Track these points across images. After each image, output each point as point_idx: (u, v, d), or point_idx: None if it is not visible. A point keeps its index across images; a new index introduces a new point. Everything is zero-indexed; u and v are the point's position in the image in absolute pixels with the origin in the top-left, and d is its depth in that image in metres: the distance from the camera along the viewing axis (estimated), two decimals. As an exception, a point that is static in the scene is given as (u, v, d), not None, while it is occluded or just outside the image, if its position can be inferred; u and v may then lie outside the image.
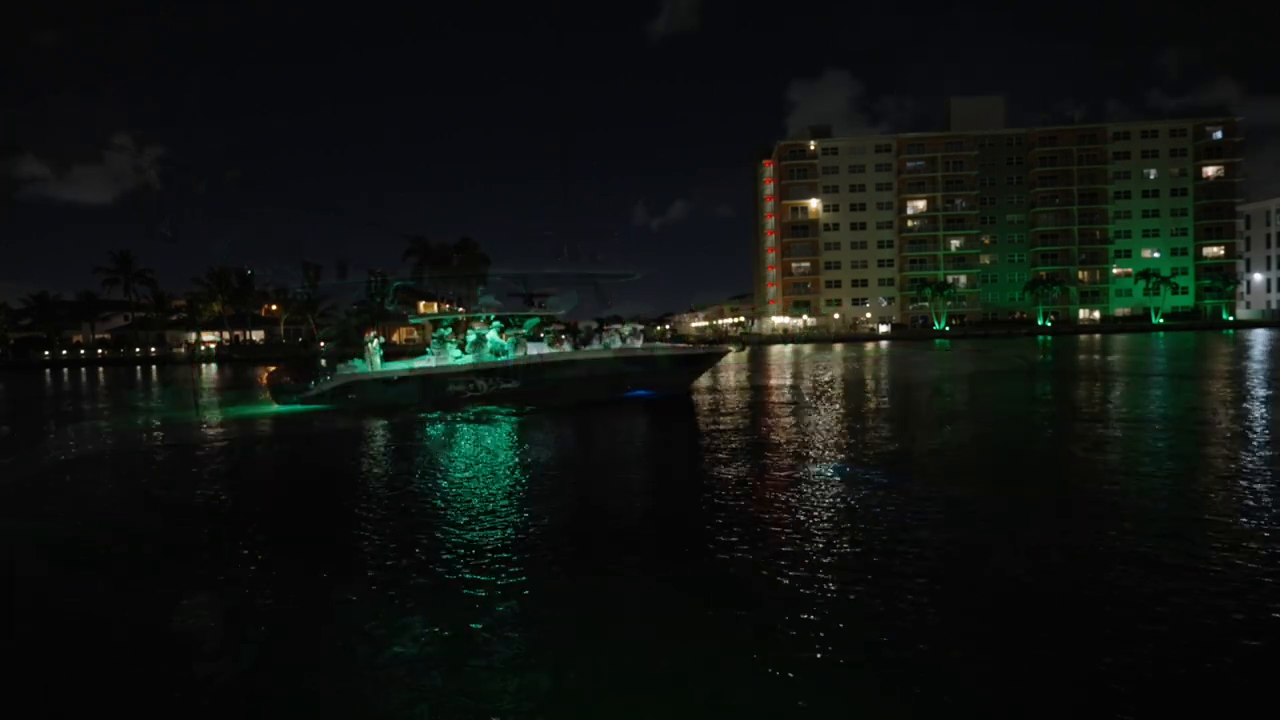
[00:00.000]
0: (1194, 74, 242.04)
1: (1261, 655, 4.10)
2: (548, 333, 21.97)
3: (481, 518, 7.54)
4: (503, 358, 20.31)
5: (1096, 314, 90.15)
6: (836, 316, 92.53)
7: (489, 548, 6.47)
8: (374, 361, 21.09)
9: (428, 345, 22.88)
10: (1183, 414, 13.89)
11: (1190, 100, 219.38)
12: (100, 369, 60.79)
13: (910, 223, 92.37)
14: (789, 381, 24.62)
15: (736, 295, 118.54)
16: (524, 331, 21.38)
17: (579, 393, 19.94)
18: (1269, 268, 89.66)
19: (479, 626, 4.79)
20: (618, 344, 20.86)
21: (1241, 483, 8.01)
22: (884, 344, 63.14)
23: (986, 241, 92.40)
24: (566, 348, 21.04)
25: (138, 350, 78.48)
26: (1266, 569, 5.34)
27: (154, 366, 62.04)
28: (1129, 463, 9.47)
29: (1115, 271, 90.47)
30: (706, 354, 22.46)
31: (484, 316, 22.13)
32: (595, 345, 21.12)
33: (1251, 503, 7.15)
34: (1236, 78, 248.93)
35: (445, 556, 6.25)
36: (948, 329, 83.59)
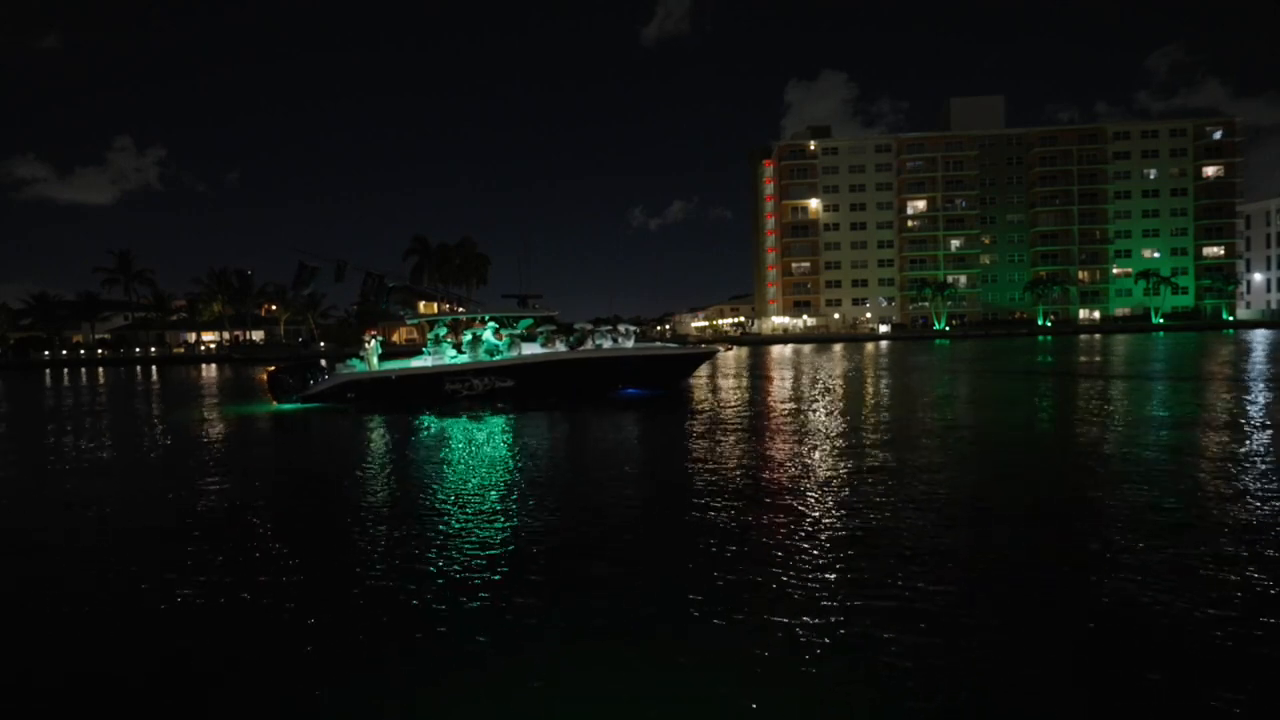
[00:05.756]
0: (1182, 76, 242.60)
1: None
2: (542, 333, 22.17)
3: (476, 514, 7.57)
4: (498, 357, 20.49)
5: (1096, 314, 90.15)
6: (836, 316, 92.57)
7: (483, 544, 6.50)
8: (372, 361, 21.18)
9: (425, 345, 23.01)
10: (1195, 417, 13.92)
11: (1178, 103, 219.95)
12: (100, 369, 60.86)
13: (910, 223, 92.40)
14: (782, 380, 24.64)
15: (736, 295, 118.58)
16: (518, 331, 21.62)
17: (573, 391, 20.15)
18: (1269, 268, 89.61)
19: (475, 627, 4.82)
20: (610, 344, 21.16)
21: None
22: (884, 344, 63.13)
23: (986, 241, 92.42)
24: (561, 347, 21.25)
25: (138, 350, 78.57)
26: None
27: (154, 366, 62.12)
28: (1137, 465, 9.48)
29: (1115, 271, 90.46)
30: (698, 354, 22.70)
31: (481, 317, 22.26)
32: (589, 345, 21.31)
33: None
34: (1224, 80, 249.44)
35: (440, 553, 6.28)
36: (948, 329, 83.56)
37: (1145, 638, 4.35)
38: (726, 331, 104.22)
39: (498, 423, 15.46)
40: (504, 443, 12.75)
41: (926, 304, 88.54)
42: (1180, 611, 4.67)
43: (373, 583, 5.67)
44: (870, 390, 20.85)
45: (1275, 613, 4.62)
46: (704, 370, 31.58)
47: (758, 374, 28.93)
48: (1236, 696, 3.69)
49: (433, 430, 14.66)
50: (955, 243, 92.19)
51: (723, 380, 25.92)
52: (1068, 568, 5.55)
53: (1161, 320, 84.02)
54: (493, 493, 8.73)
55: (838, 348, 56.82)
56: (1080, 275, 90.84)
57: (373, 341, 21.67)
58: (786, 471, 9.45)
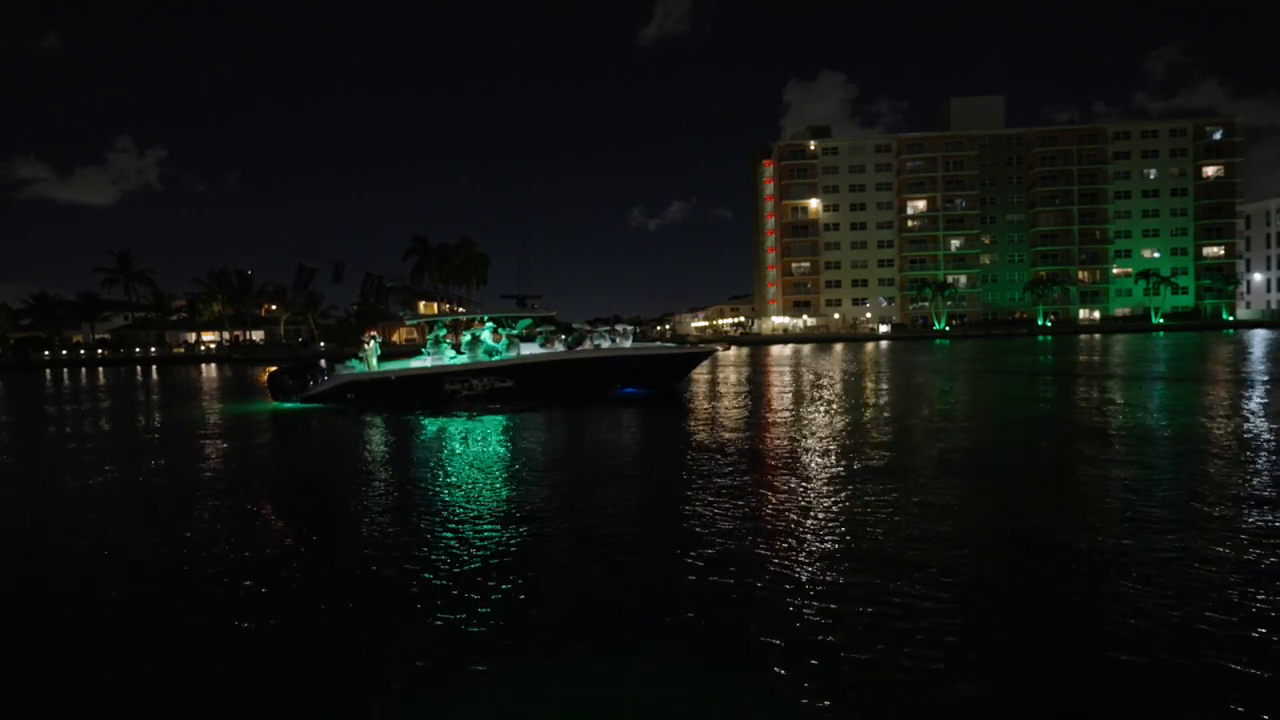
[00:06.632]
0: (1180, 76, 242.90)
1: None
2: (541, 333, 22.20)
3: (476, 515, 7.57)
4: (496, 357, 20.52)
5: (1096, 314, 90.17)
6: (836, 316, 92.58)
7: (483, 545, 6.50)
8: (371, 362, 21.19)
9: (424, 345, 23.06)
10: (1195, 417, 13.92)
11: (1177, 103, 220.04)
12: (100, 369, 60.87)
13: (910, 223, 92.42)
14: (781, 380, 24.65)
15: (736, 295, 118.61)
16: (516, 332, 21.68)
17: (571, 391, 20.18)
18: (1269, 268, 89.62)
19: (475, 627, 4.82)
20: (608, 344, 21.21)
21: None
22: (884, 344, 63.12)
23: (986, 241, 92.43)
24: (559, 347, 21.30)
25: (138, 350, 78.57)
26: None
27: (154, 366, 62.13)
28: (1138, 466, 9.48)
29: (1115, 271, 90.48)
30: (695, 353, 22.75)
31: (480, 318, 22.29)
32: (587, 345, 21.37)
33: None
34: (1223, 80, 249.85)
35: (440, 553, 6.28)
36: (948, 329, 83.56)
37: (1145, 639, 4.34)
38: (726, 331, 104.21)
39: (496, 423, 15.46)
40: (502, 443, 12.75)
41: (926, 304, 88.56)
42: (1179, 612, 4.67)
43: (372, 583, 5.67)
44: (869, 390, 20.84)
45: (1274, 616, 4.62)
46: (704, 369, 31.60)
47: (757, 373, 28.93)
48: (1236, 696, 3.69)
49: (432, 430, 14.66)
50: (955, 243, 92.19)
51: (722, 379, 25.93)
52: (1067, 568, 5.55)
53: (1161, 320, 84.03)
54: (491, 493, 8.73)
55: (838, 348, 56.81)
56: (1080, 275, 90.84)
57: (372, 342, 21.68)
58: (784, 471, 9.44)
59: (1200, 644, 4.22)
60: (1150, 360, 29.87)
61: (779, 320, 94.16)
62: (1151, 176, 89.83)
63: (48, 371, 59.36)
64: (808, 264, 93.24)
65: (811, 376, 26.47)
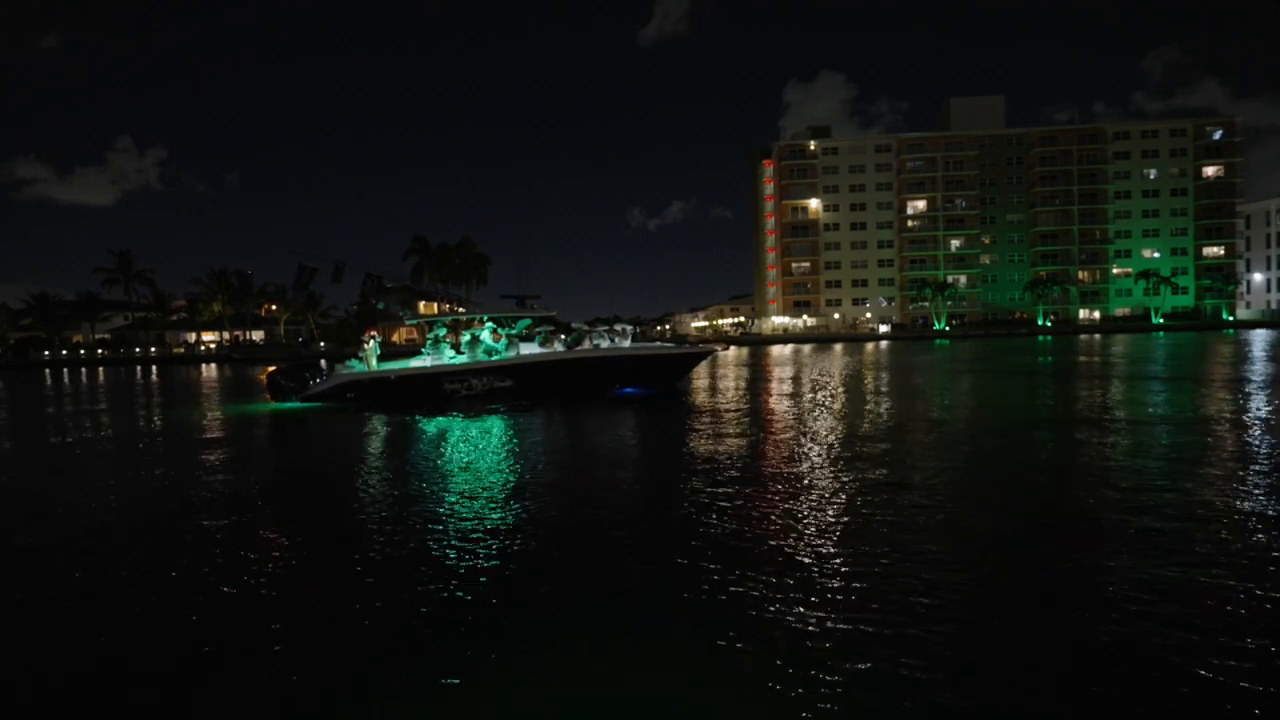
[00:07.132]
0: (1179, 76, 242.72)
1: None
2: (540, 333, 22.24)
3: (474, 515, 7.57)
4: (496, 357, 20.54)
5: (1096, 314, 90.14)
6: (836, 316, 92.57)
7: (482, 545, 6.50)
8: (371, 361, 21.20)
9: (424, 345, 23.10)
10: (1194, 417, 13.91)
11: (1176, 103, 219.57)
12: (100, 369, 60.85)
13: (910, 223, 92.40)
14: (780, 379, 24.65)
15: (736, 295, 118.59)
16: (516, 332, 21.70)
17: (570, 390, 20.20)
18: (1269, 268, 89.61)
19: (474, 627, 4.82)
20: (607, 344, 21.23)
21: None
22: (884, 344, 63.10)
23: (986, 241, 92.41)
24: (558, 347, 21.31)
25: (138, 350, 78.56)
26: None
27: (154, 366, 62.12)
28: (1137, 466, 9.47)
29: (1115, 271, 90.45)
30: (694, 353, 22.79)
31: (479, 318, 22.31)
32: (586, 345, 21.39)
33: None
34: (1223, 80, 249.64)
35: (439, 553, 6.28)
36: (948, 329, 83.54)
37: (1145, 639, 4.34)
38: (726, 331, 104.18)
39: (495, 422, 15.46)
40: (501, 442, 12.74)
41: (926, 304, 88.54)
42: (1180, 614, 4.67)
43: (371, 583, 5.66)
44: (868, 391, 20.83)
45: (1276, 618, 4.61)
46: (703, 370, 31.61)
47: (756, 373, 28.93)
48: (1236, 697, 3.68)
49: (431, 430, 14.66)
50: (955, 243, 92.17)
51: (722, 380, 25.92)
52: (1068, 569, 5.55)
53: (1161, 320, 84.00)
54: (490, 493, 8.72)
55: (837, 348, 56.79)
56: (1080, 275, 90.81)
57: (372, 342, 21.71)
58: (783, 472, 9.44)
59: (1201, 645, 4.22)
60: (1150, 360, 29.87)
61: (779, 320, 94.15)
62: (1151, 176, 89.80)
63: (48, 371, 59.34)
64: (808, 264, 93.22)
65: (811, 377, 26.46)
